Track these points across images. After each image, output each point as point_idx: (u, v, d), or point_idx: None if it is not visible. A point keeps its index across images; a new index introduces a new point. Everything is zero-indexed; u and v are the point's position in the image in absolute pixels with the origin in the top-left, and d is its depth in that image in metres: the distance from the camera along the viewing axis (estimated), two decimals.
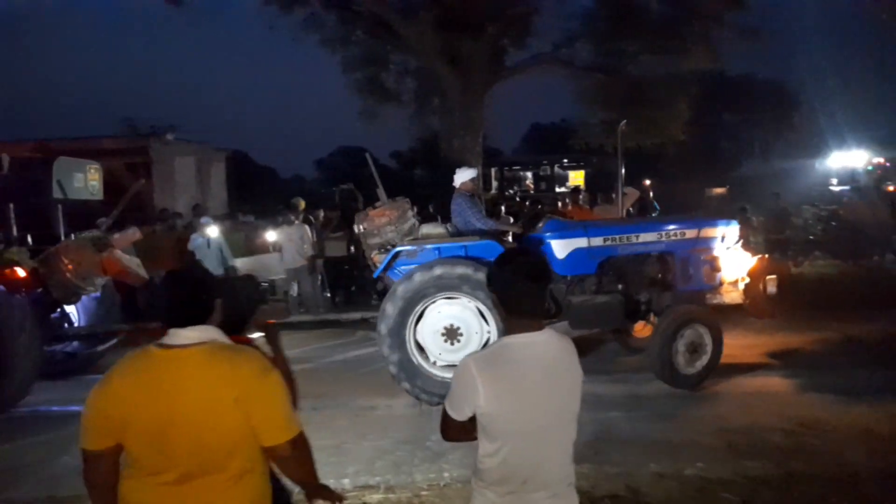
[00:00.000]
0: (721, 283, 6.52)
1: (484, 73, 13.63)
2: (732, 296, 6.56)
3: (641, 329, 7.10)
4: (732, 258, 6.58)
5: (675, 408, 5.71)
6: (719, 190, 21.31)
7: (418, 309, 5.96)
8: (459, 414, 1.99)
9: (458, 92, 13.54)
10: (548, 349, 2.01)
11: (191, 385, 1.83)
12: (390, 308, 5.93)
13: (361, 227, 6.65)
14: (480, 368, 1.94)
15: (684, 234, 6.53)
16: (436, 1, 12.80)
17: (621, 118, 13.32)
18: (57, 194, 7.55)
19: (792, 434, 4.93)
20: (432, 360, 6.09)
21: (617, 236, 6.44)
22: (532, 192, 22.43)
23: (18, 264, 6.59)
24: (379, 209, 6.67)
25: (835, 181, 19.13)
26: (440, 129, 15.05)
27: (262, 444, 1.89)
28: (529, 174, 23.89)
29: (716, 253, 6.51)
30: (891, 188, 16.42)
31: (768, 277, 6.54)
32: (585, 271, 6.38)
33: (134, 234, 7.91)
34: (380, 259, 6.34)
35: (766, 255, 6.87)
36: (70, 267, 6.73)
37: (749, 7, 13.04)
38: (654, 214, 13.29)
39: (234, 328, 2.34)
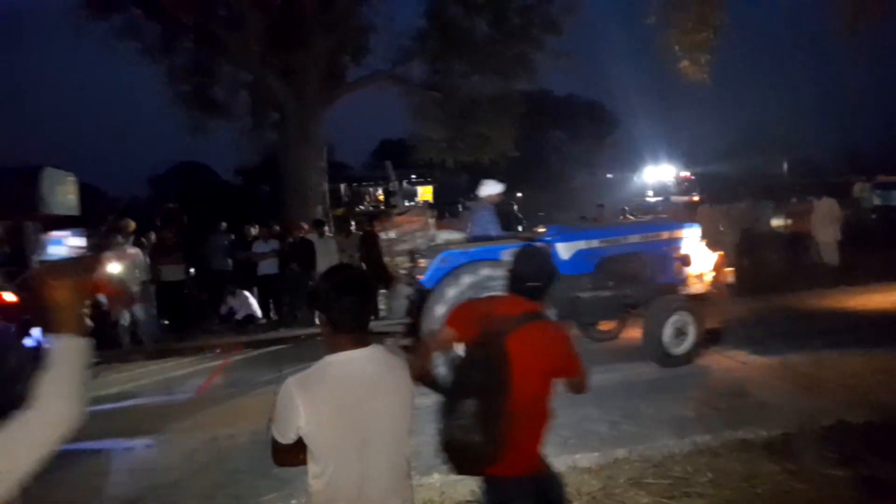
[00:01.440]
0: (688, 277, 7.22)
1: (320, 87, 13.50)
2: (698, 287, 7.22)
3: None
4: (698, 255, 7.31)
5: (640, 400, 5.91)
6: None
7: None
8: (284, 437, 1.96)
9: (294, 106, 13.28)
10: (370, 365, 2.01)
11: None
12: (440, 309, 6.01)
13: (391, 233, 6.92)
14: (299, 389, 1.92)
15: (659, 235, 7.29)
16: (263, 13, 12.47)
17: (455, 134, 13.86)
18: (44, 209, 6.69)
19: (613, 424, 5.37)
20: None
21: (611, 238, 7.11)
22: (382, 207, 22.51)
23: (2, 288, 5.93)
24: (406, 216, 7.00)
25: (651, 192, 21.40)
26: (278, 144, 14.64)
27: None
28: (379, 189, 23.96)
29: (683, 251, 7.26)
30: (696, 198, 18.66)
31: (726, 270, 7.45)
32: (585, 270, 6.86)
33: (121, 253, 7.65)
34: (424, 263, 6.50)
35: (723, 253, 7.71)
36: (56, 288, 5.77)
37: (565, 32, 14.20)
38: (520, 227, 13.99)
39: None
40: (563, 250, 6.83)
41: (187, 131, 14.47)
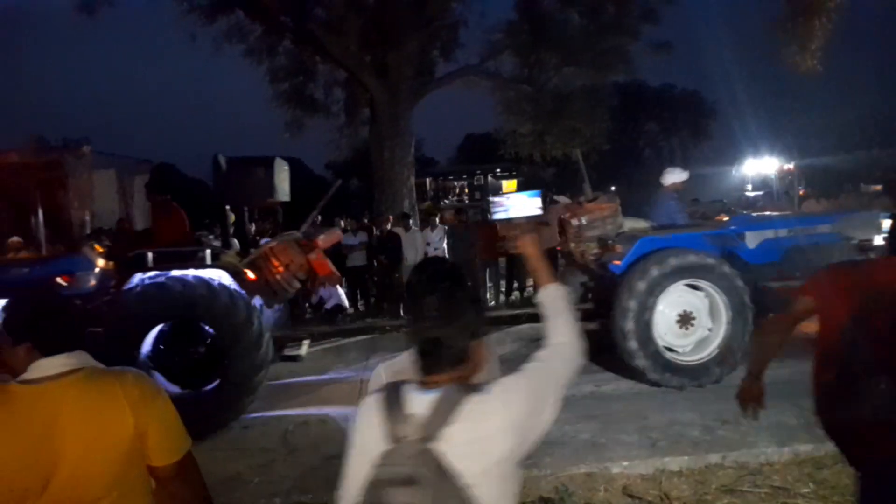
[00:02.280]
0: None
1: (411, 84, 13.72)
2: None
3: None
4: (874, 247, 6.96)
5: (600, 408, 5.87)
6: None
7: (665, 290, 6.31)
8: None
9: (386, 103, 13.56)
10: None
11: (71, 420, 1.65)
12: (642, 286, 6.21)
13: (582, 220, 7.06)
14: None
15: (815, 228, 7.06)
16: (360, 14, 12.82)
17: (545, 128, 13.67)
18: (280, 196, 7.27)
19: (708, 429, 5.17)
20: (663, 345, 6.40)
21: (798, 228, 6.96)
22: (466, 201, 22.64)
23: (236, 267, 6.34)
24: (595, 203, 7.15)
25: (749, 187, 20.24)
26: (369, 139, 15.03)
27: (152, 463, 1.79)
28: (464, 183, 24.10)
29: (862, 243, 6.91)
30: (801, 192, 17.47)
31: None
32: (772, 260, 6.77)
33: (338, 234, 8.17)
34: (621, 249, 6.64)
35: None
36: (280, 269, 6.48)
37: (662, 22, 13.70)
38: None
39: None
40: (751, 239, 6.83)
41: (286, 128, 15.12)
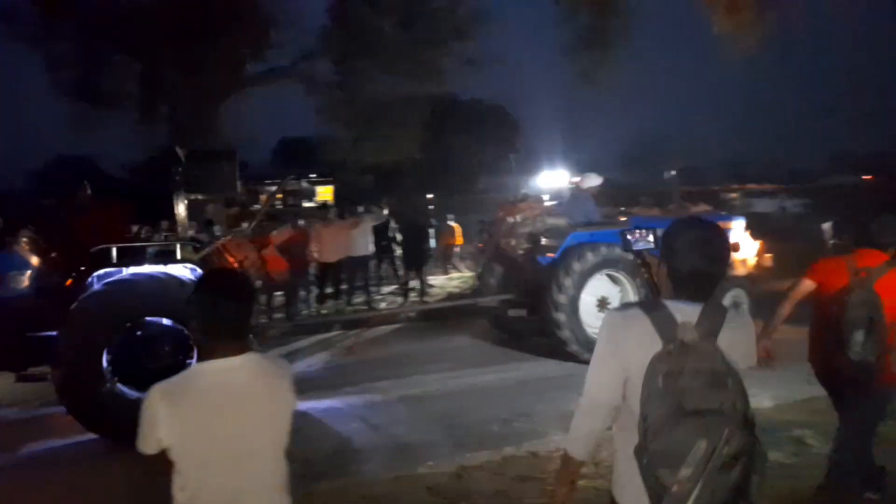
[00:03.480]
0: (738, 261, 8.31)
1: (217, 82, 12.98)
2: (746, 269, 8.41)
3: None
4: (745, 243, 8.50)
5: (410, 412, 6.03)
6: None
7: (587, 281, 7.31)
8: (147, 446, 1.84)
9: (190, 100, 12.69)
10: (244, 375, 1.91)
11: None
12: (567, 280, 7.16)
13: (517, 217, 8.19)
14: (163, 398, 1.81)
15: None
16: (163, 4, 11.86)
17: (362, 135, 13.77)
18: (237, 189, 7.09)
19: (507, 422, 5.54)
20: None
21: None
22: (280, 206, 21.94)
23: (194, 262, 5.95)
24: (526, 203, 8.60)
25: (546, 196, 22.07)
26: (172, 139, 13.92)
27: None
28: (275, 188, 23.33)
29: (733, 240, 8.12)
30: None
31: (766, 255, 8.72)
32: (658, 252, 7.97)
33: (290, 231, 8.37)
34: (553, 244, 7.63)
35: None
36: (236, 265, 6.45)
37: (473, 38, 14.46)
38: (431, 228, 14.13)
39: None
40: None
41: (70, 124, 13.45)
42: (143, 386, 5.28)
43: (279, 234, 7.53)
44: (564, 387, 6.45)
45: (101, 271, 5.55)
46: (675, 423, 1.66)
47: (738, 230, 8.55)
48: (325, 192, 22.01)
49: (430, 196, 24.04)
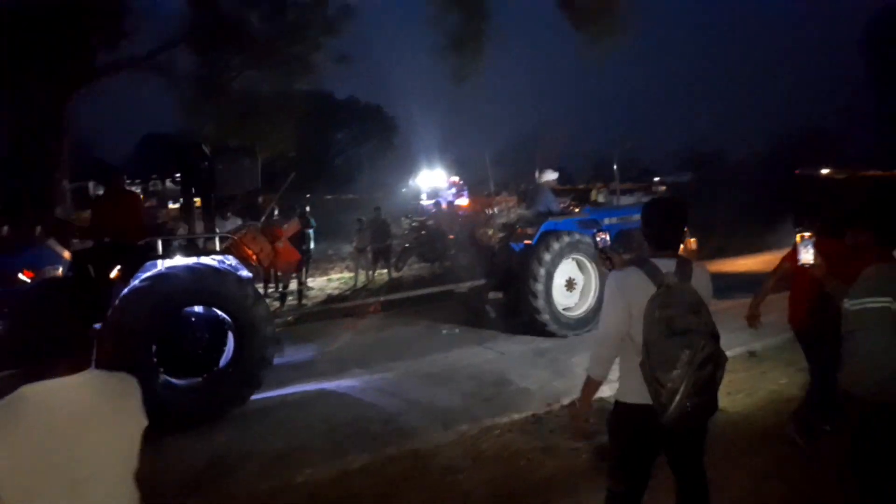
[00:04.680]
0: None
1: (64, 70, 11.79)
2: None
3: None
4: None
5: (288, 417, 5.81)
6: None
7: (558, 264, 8.20)
8: None
9: (33, 90, 11.45)
10: (85, 394, 1.73)
11: None
12: (539, 268, 8.00)
13: (495, 209, 9.07)
14: None
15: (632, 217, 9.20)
16: None
17: (228, 131, 13.11)
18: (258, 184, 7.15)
19: (387, 423, 5.49)
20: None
21: (624, 217, 9.14)
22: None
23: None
24: (502, 197, 9.38)
25: (424, 196, 22.26)
26: (11, 134, 12.51)
27: None
28: (138, 189, 21.65)
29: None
30: (464, 204, 19.76)
31: (691, 240, 9.07)
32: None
33: (296, 224, 8.78)
34: (531, 232, 8.42)
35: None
36: (254, 257, 6.75)
37: (345, 35, 14.21)
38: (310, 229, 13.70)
39: None
40: (604, 224, 8.94)
41: None
42: (184, 373, 5.83)
43: (289, 227, 8.02)
44: (442, 384, 6.52)
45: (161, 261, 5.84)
46: (667, 339, 2.44)
47: None
48: None
49: (308, 195, 23.40)
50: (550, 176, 9.32)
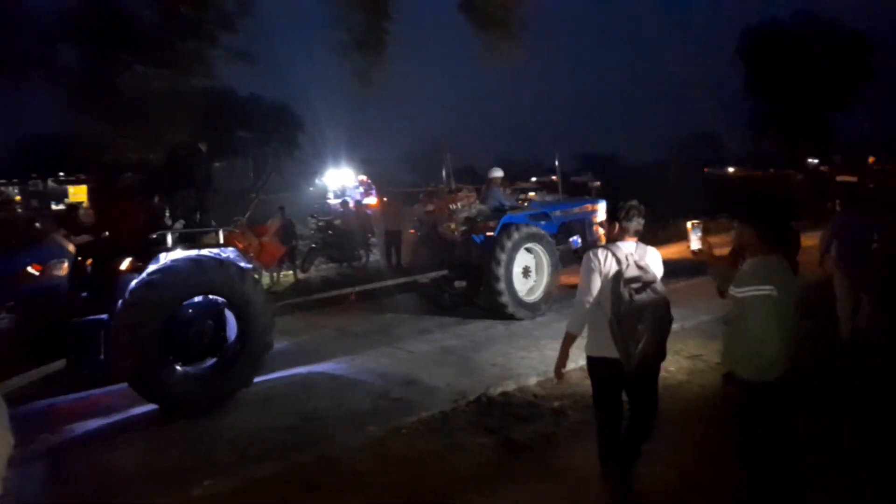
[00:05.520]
0: (601, 239, 9.87)
1: None
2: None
3: None
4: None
5: (188, 431, 5.54)
6: None
7: (516, 253, 9.01)
8: None
9: None
10: None
11: None
12: (503, 255, 8.77)
13: (458, 204, 9.58)
14: None
15: (585, 208, 10.65)
16: None
17: (119, 131, 12.35)
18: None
19: (293, 429, 5.38)
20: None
21: (567, 210, 10.42)
22: (23, 209, 18.90)
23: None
24: (463, 192, 9.86)
25: (331, 195, 21.96)
26: None
27: None
28: (15, 189, 20.05)
29: (596, 220, 10.47)
30: (372, 202, 19.70)
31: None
32: (554, 231, 9.93)
33: (280, 220, 9.30)
34: (493, 224, 9.22)
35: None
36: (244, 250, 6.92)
37: (244, 32, 13.69)
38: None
39: None
40: (551, 218, 10.06)
41: None
42: (189, 361, 6.05)
43: (272, 223, 8.48)
44: (350, 385, 6.48)
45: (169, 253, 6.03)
46: (631, 303, 3.40)
47: (601, 210, 10.61)
48: (78, 193, 19.41)
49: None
50: (497, 173, 10.10)
